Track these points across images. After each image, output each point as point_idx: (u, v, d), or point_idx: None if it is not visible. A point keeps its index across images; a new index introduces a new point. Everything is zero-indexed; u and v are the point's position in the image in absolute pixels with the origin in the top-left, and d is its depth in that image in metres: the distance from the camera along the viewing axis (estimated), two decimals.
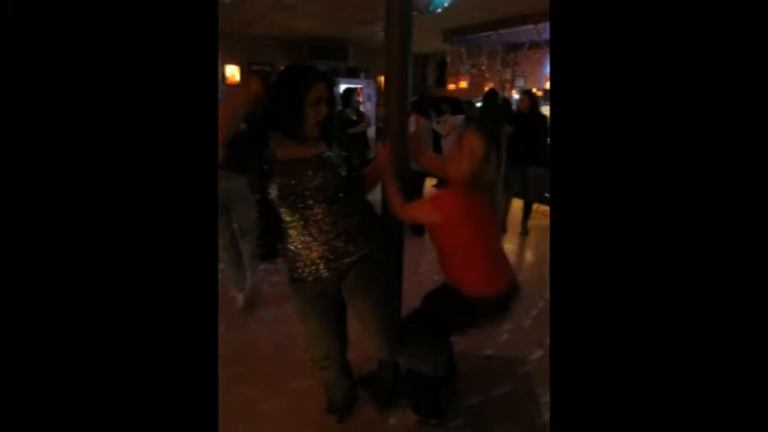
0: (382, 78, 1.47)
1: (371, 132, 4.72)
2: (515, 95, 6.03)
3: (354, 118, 4.07)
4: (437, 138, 4.56)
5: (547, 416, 1.65)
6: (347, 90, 4.18)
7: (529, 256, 3.62)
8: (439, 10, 2.50)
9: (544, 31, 4.79)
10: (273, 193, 1.19)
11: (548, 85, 5.52)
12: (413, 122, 3.78)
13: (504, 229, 3.92)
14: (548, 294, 2.73)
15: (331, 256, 1.26)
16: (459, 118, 4.72)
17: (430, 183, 4.99)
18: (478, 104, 6.42)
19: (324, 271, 1.28)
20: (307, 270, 1.28)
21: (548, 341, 2.16)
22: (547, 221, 4.26)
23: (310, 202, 1.21)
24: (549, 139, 3.79)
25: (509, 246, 3.72)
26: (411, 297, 1.60)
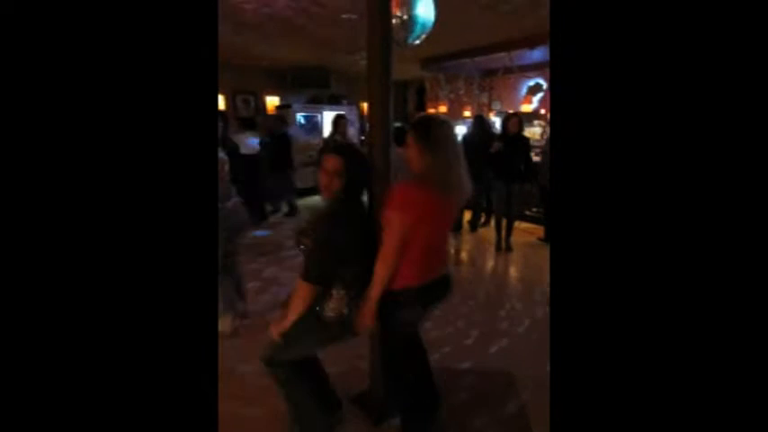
0: (365, 105, 1.56)
1: None
2: (492, 117, 6.28)
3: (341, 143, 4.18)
4: None
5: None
6: (337, 116, 4.25)
7: (512, 270, 3.72)
8: (417, 42, 2.65)
9: (516, 57, 5.07)
10: None
11: (522, 108, 5.79)
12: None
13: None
14: (519, 305, 2.83)
15: None
16: None
17: None
18: (458, 127, 6.66)
19: None
20: None
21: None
22: (530, 238, 4.41)
23: None
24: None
25: (491, 262, 3.83)
26: None
